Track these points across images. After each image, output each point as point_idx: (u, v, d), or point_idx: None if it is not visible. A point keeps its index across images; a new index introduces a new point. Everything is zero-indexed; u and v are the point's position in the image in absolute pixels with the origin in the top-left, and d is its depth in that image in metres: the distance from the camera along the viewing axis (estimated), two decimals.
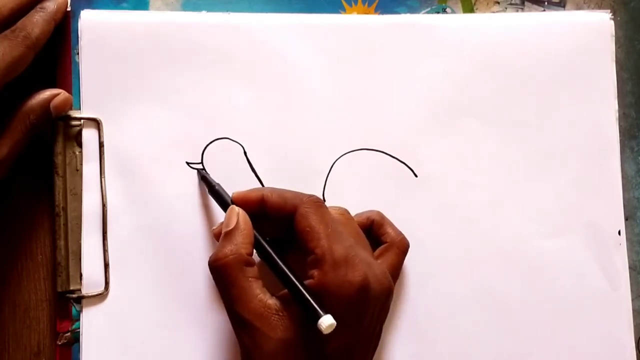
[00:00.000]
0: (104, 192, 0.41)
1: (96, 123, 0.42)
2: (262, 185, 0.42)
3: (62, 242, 0.41)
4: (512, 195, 0.43)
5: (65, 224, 0.41)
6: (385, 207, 0.42)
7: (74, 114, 0.41)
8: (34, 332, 0.42)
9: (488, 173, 0.43)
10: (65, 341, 0.41)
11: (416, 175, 0.43)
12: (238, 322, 0.35)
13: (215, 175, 0.42)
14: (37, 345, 0.42)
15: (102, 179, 0.41)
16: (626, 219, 0.44)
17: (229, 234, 0.36)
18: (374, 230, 0.41)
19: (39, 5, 0.40)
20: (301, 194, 0.37)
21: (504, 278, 0.43)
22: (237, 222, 0.36)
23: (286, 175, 0.42)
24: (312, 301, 0.33)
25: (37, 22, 0.39)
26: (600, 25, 0.44)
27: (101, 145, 0.41)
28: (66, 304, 0.41)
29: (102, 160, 0.41)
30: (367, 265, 0.35)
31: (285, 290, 0.35)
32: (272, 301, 0.35)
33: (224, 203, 0.39)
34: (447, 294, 0.43)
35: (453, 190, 0.43)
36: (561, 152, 0.43)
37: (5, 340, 0.41)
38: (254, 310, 0.34)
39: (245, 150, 0.42)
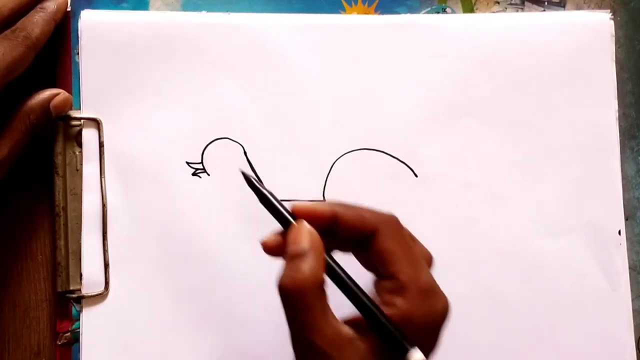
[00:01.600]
0: (104, 192, 0.41)
1: (96, 123, 0.42)
2: (262, 184, 0.42)
3: (62, 242, 0.41)
4: (512, 195, 0.43)
5: (65, 224, 0.41)
6: (385, 207, 0.42)
7: (74, 114, 0.41)
8: (34, 332, 0.42)
9: (488, 173, 0.43)
10: (65, 341, 0.41)
11: (416, 175, 0.43)
12: (309, 350, 0.32)
13: (215, 175, 0.42)
14: (37, 345, 0.42)
15: (102, 179, 0.41)
16: (626, 219, 0.44)
17: (302, 256, 0.32)
18: None
19: (39, 5, 0.40)
20: (379, 213, 0.34)
21: (504, 278, 0.43)
22: (312, 243, 0.33)
23: (286, 175, 0.42)
24: (397, 334, 0.31)
25: (37, 22, 0.39)
26: (600, 25, 0.44)
27: (101, 145, 0.42)
28: (66, 304, 0.41)
29: (102, 160, 0.41)
30: (442, 291, 0.34)
31: (355, 315, 0.33)
32: (346, 329, 0.32)
33: (283, 216, 0.34)
34: (447, 293, 0.42)
35: (453, 190, 0.43)
36: (561, 152, 0.43)
37: (5, 340, 0.41)
38: (329, 338, 0.32)
39: (245, 150, 0.42)
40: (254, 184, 0.35)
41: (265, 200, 0.34)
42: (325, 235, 0.33)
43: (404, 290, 0.32)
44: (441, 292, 0.33)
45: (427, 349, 0.33)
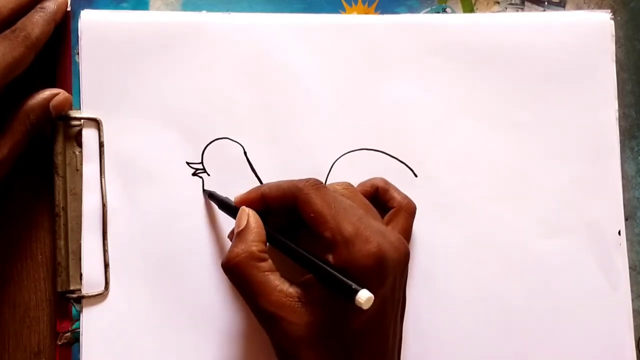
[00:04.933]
0: (104, 192, 0.41)
1: (96, 123, 0.42)
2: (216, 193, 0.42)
3: (62, 242, 0.41)
4: (512, 195, 0.43)
5: (65, 224, 0.41)
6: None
7: (74, 113, 0.41)
8: (34, 332, 0.42)
9: (488, 173, 0.43)
10: (65, 341, 0.41)
11: (416, 175, 0.43)
12: (263, 317, 0.35)
13: (215, 175, 0.42)
14: (37, 345, 0.42)
15: (102, 179, 0.41)
16: (626, 219, 0.44)
17: (240, 234, 0.36)
18: (380, 197, 0.41)
19: (39, 5, 0.40)
20: (297, 180, 0.37)
21: (504, 278, 0.43)
22: (248, 222, 0.36)
23: (286, 175, 0.42)
24: (343, 278, 0.33)
25: (37, 22, 0.39)
26: (600, 25, 0.44)
27: (101, 145, 0.41)
28: (66, 304, 0.41)
29: (102, 160, 0.41)
30: (380, 234, 0.35)
31: (304, 277, 0.35)
32: (292, 289, 0.35)
33: (233, 212, 0.39)
34: (447, 293, 0.43)
35: (453, 190, 0.43)
36: (561, 152, 0.43)
37: (5, 340, 0.41)
38: (276, 302, 0.34)
39: (245, 150, 0.42)
40: (211, 194, 0.41)
41: (221, 204, 0.40)
42: (276, 214, 0.38)
43: (332, 244, 0.34)
44: (373, 236, 0.34)
45: (378, 295, 0.34)
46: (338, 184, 0.39)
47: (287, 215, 0.38)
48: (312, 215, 0.35)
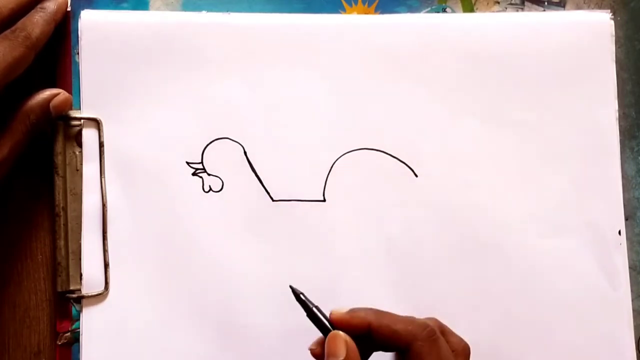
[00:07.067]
0: (104, 192, 0.41)
1: (96, 123, 0.42)
2: (262, 185, 0.42)
3: (62, 242, 0.41)
4: (512, 195, 0.43)
5: (65, 224, 0.41)
6: (385, 207, 0.42)
7: (74, 114, 0.41)
8: (34, 332, 0.42)
9: (488, 173, 0.43)
10: (65, 341, 0.41)
11: (416, 175, 0.43)
12: None
13: (215, 176, 0.42)
14: (37, 345, 0.42)
15: (102, 179, 0.41)
16: (626, 219, 0.44)
17: None
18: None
19: (39, 6, 0.40)
20: (413, 326, 0.35)
21: (503, 278, 0.43)
22: (347, 354, 0.34)
23: (286, 175, 0.42)
24: None
25: (37, 22, 0.39)
26: (600, 25, 0.44)
27: (101, 145, 0.42)
28: (66, 304, 0.41)
29: (102, 160, 0.41)
30: None
31: None
32: None
33: (323, 327, 0.35)
34: (447, 293, 0.43)
35: (453, 190, 0.43)
36: (561, 152, 0.43)
37: (5, 340, 0.41)
38: None
39: (245, 150, 0.42)
40: (301, 299, 0.36)
41: (310, 313, 0.36)
42: (365, 339, 0.35)
43: None
44: None
45: None
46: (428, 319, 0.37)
47: (375, 346, 0.36)
48: None
